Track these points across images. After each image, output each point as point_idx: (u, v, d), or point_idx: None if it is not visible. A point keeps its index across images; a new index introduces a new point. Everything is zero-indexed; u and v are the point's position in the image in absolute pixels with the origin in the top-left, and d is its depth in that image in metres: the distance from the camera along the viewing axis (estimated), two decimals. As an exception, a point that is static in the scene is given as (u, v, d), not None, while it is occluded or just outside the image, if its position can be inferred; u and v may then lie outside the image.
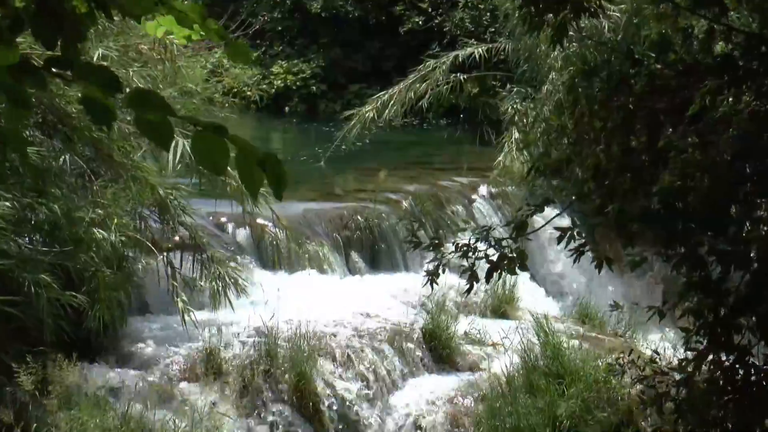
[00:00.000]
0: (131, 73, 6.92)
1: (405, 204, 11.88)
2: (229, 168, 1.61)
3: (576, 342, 8.20)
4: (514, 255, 4.03)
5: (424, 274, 4.32)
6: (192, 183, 7.71)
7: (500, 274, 4.02)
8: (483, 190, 13.04)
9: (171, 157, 6.82)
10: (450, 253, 4.19)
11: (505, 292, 9.78)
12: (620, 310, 4.90)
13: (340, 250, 10.45)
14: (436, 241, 4.18)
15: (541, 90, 11.71)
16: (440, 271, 4.21)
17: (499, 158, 11.51)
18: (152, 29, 1.90)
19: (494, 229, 4.29)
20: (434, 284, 4.29)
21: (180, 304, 7.38)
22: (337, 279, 9.90)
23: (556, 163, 4.14)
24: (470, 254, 4.07)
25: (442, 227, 11.83)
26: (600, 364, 7.52)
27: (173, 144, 6.66)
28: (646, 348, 7.99)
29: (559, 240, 4.12)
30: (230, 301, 7.78)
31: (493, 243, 4.06)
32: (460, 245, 4.09)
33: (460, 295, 6.86)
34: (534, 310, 9.26)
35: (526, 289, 10.29)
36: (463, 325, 8.92)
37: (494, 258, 4.06)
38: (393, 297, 9.40)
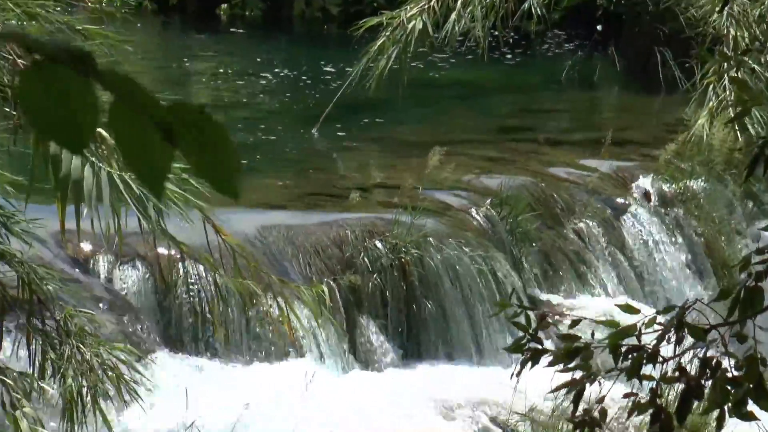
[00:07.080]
0: None
1: (476, 216, 12.11)
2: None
3: None
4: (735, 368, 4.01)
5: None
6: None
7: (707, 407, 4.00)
8: (645, 185, 13.25)
9: None
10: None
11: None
12: None
13: (339, 313, 10.58)
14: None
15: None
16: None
17: (691, 120, 11.35)
18: None
19: (692, 306, 4.20)
20: None
21: (23, 425, 7.36)
22: (331, 376, 10.17)
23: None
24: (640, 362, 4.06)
25: (558, 267, 12.02)
26: None
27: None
28: None
29: None
30: (105, 419, 7.85)
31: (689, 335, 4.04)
32: (621, 347, 4.07)
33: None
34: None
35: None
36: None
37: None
38: (450, 412, 9.72)
